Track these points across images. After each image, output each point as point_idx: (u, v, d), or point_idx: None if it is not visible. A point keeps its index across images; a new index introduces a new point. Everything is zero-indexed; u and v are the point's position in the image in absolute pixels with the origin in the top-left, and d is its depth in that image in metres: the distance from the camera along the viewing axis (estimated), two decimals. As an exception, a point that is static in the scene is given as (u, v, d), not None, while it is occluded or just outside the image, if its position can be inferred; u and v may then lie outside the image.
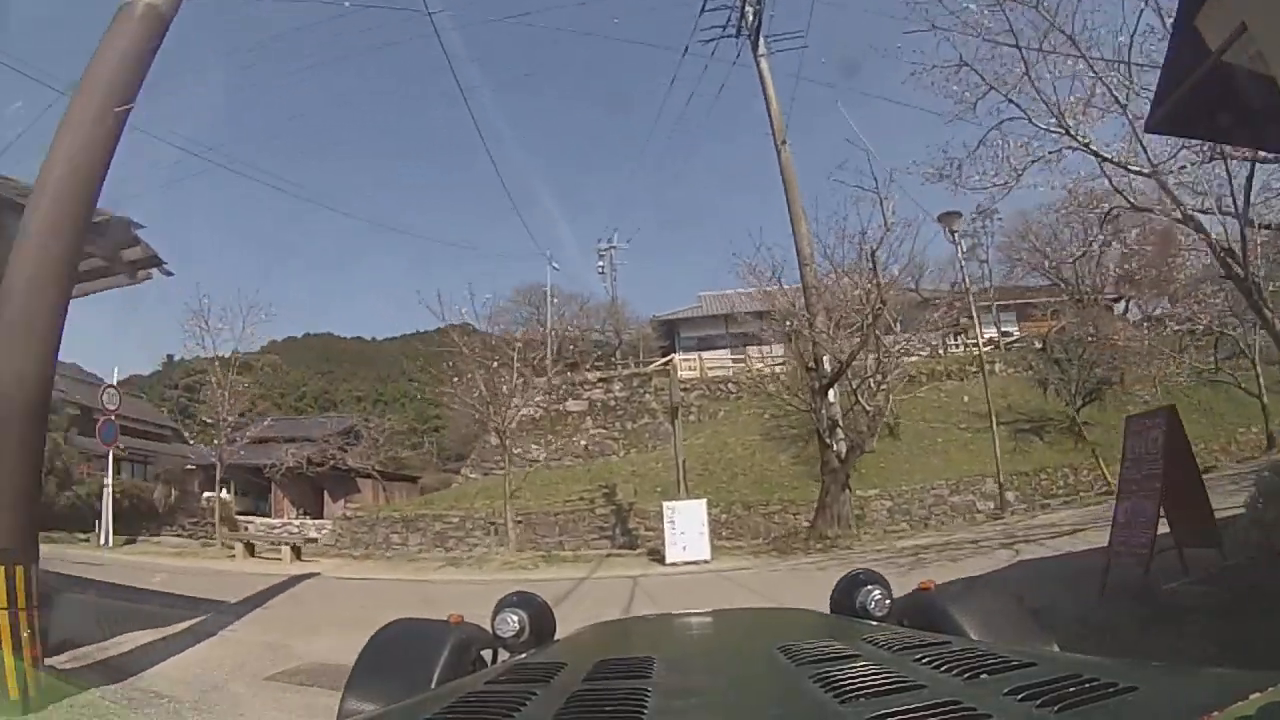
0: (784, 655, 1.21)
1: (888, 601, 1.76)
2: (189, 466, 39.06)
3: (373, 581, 14.76)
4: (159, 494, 23.95)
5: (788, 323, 17.98)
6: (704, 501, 15.81)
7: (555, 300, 38.21)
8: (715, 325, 34.90)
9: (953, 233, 19.64)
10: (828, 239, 17.75)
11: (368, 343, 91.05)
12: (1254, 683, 0.83)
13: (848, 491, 16.38)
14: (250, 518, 31.25)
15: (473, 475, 27.43)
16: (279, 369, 73.95)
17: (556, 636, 1.88)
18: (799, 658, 1.18)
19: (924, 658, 1.13)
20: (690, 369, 32.21)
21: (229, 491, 35.43)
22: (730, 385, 29.35)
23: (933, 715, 0.81)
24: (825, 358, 16.42)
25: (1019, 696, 0.87)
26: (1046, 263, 29.89)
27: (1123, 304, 30.62)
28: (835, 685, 0.96)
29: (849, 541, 15.35)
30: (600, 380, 29.45)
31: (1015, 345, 31.44)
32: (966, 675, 1.01)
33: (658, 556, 15.49)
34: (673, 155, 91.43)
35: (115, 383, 21.09)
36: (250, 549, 17.95)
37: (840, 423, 16.73)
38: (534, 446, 25.89)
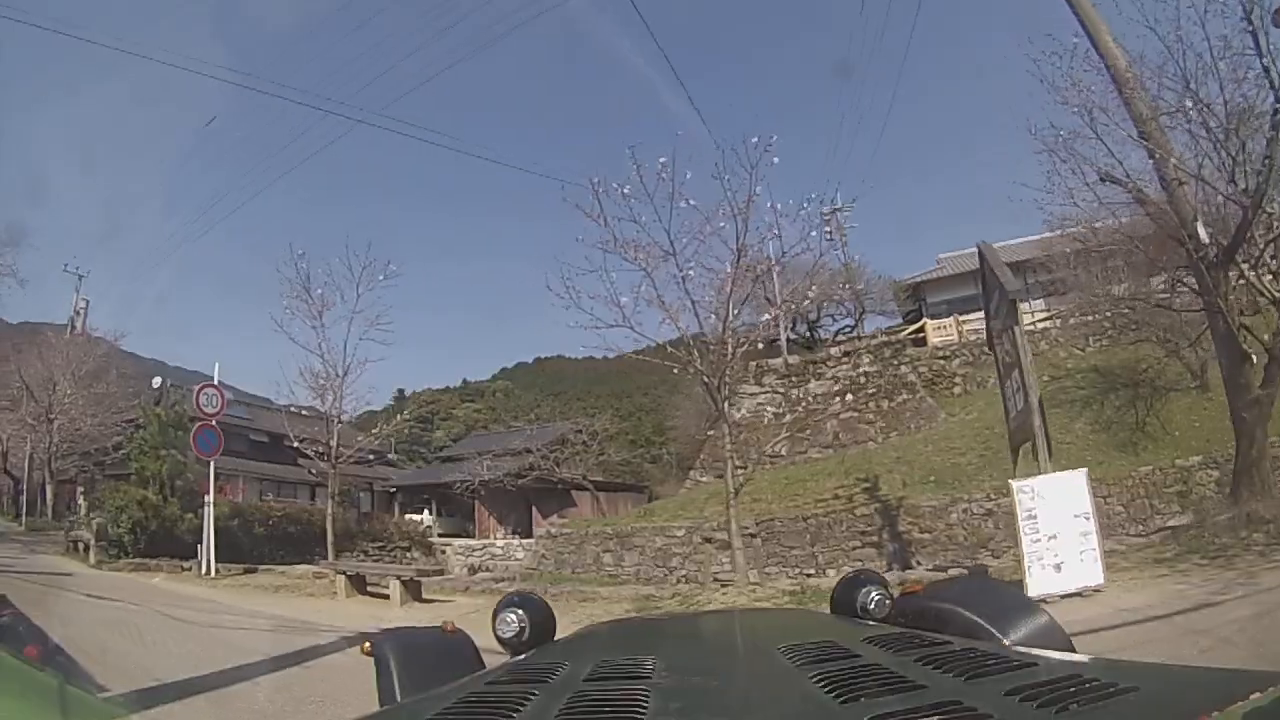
0: (784, 655, 1.25)
1: (888, 602, 1.77)
2: (391, 489, 37.91)
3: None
4: (338, 516, 21.46)
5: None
6: (1083, 474, 10.00)
7: (780, 269, 33.11)
8: (964, 285, 30.77)
9: None
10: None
11: (598, 361, 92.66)
12: (1254, 683, 0.87)
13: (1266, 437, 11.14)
14: (450, 539, 30.76)
15: (703, 479, 25.28)
16: (510, 394, 78.29)
17: (556, 637, 1.92)
18: (799, 658, 1.22)
19: (924, 658, 1.16)
20: (945, 334, 29.64)
21: (431, 511, 33.83)
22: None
23: (933, 715, 0.86)
24: (1200, 223, 10.77)
25: (1019, 697, 0.91)
26: None
27: None
28: (836, 685, 1.01)
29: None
30: (845, 355, 26.18)
31: None
32: (967, 676, 1.04)
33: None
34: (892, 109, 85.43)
35: (217, 381, 19.16)
36: (359, 584, 14.48)
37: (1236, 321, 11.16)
38: (774, 438, 22.64)
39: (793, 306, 22.40)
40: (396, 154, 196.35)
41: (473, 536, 32.51)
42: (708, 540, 14.03)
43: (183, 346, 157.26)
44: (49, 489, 30.91)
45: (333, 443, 19.18)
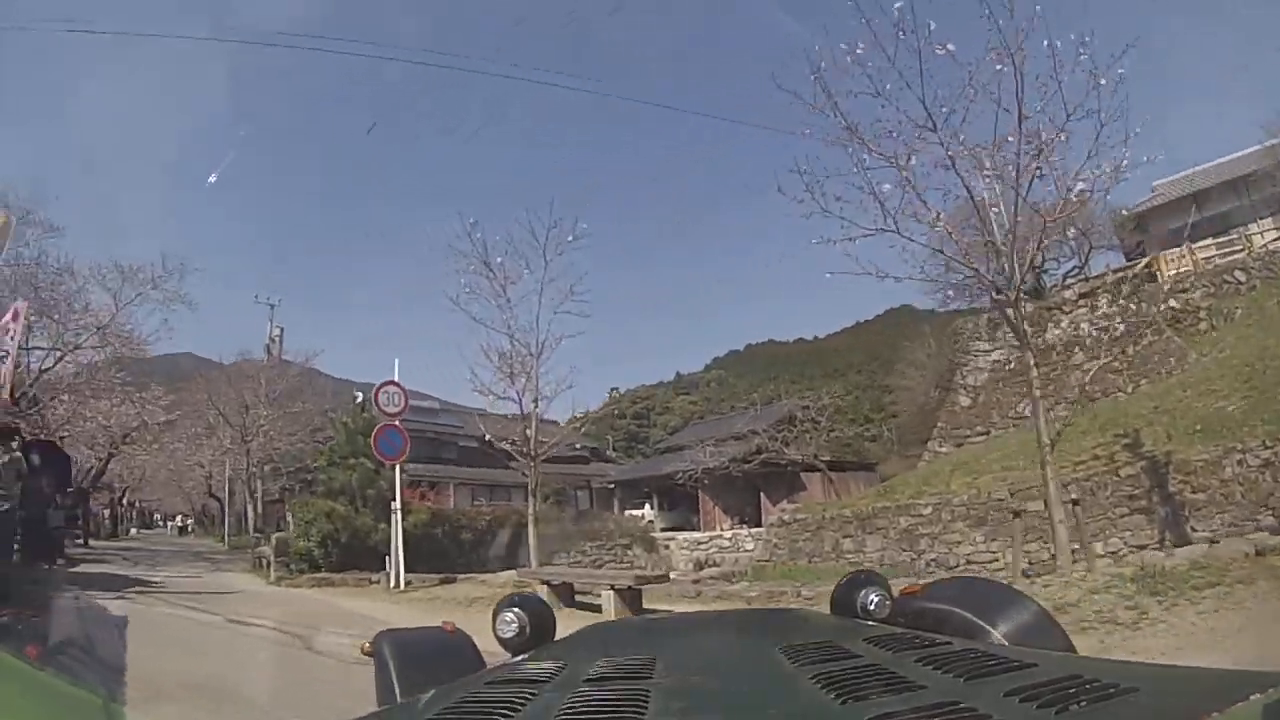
0: (785, 655, 1.26)
1: (888, 602, 1.75)
2: (609, 485, 38.50)
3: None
4: (546, 516, 21.81)
5: None
6: None
7: (996, 211, 30.71)
8: (1187, 212, 28.46)
9: None
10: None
11: (809, 343, 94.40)
12: (1254, 683, 0.86)
13: None
14: (673, 533, 30.07)
15: (942, 449, 24.04)
16: (724, 383, 79.97)
17: (556, 637, 1.91)
18: (800, 658, 1.23)
19: (924, 658, 1.17)
20: (1180, 264, 26.36)
21: (652, 506, 33.99)
22: (1238, 275, 22.95)
23: (933, 716, 0.86)
24: None
25: (1020, 698, 0.91)
26: None
27: None
28: (836, 685, 1.01)
29: None
30: (1080, 298, 23.78)
31: None
32: (967, 676, 1.04)
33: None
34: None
35: (396, 378, 17.49)
36: (565, 594, 12.10)
37: None
38: (1014, 398, 21.95)
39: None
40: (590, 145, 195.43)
41: (697, 529, 31.70)
42: (1016, 514, 11.19)
43: (372, 364, 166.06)
44: (249, 508, 32.35)
45: (529, 432, 17.44)
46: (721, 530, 29.74)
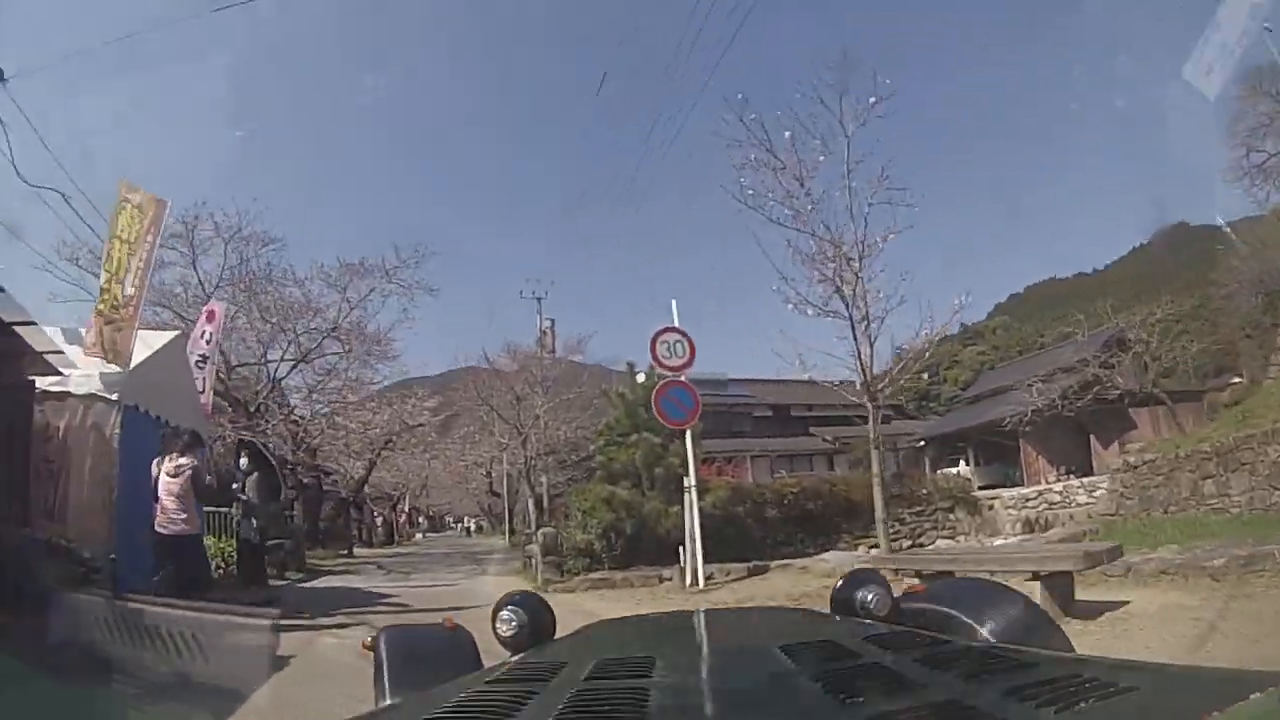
0: (784, 655, 1.25)
1: (888, 601, 1.76)
2: (917, 443, 35.13)
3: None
4: (861, 482, 18.98)
5: None
6: None
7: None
8: None
9: None
10: None
11: (1090, 276, 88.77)
12: (1254, 683, 0.87)
13: None
14: (995, 491, 25.58)
15: None
16: (1009, 328, 76.92)
17: (556, 636, 1.93)
18: (799, 658, 1.23)
19: (925, 658, 1.17)
20: None
21: (966, 462, 30.58)
22: None
23: (934, 715, 0.87)
24: None
25: (1019, 697, 0.91)
26: None
27: None
28: (836, 685, 1.01)
29: None
30: None
31: None
32: (967, 675, 1.05)
33: None
34: None
35: (676, 323, 14.21)
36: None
37: None
38: None
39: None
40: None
41: (1018, 484, 28.11)
42: None
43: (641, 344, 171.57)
44: (530, 502, 31.43)
45: (864, 353, 13.54)
46: (1049, 483, 25.88)
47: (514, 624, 1.79)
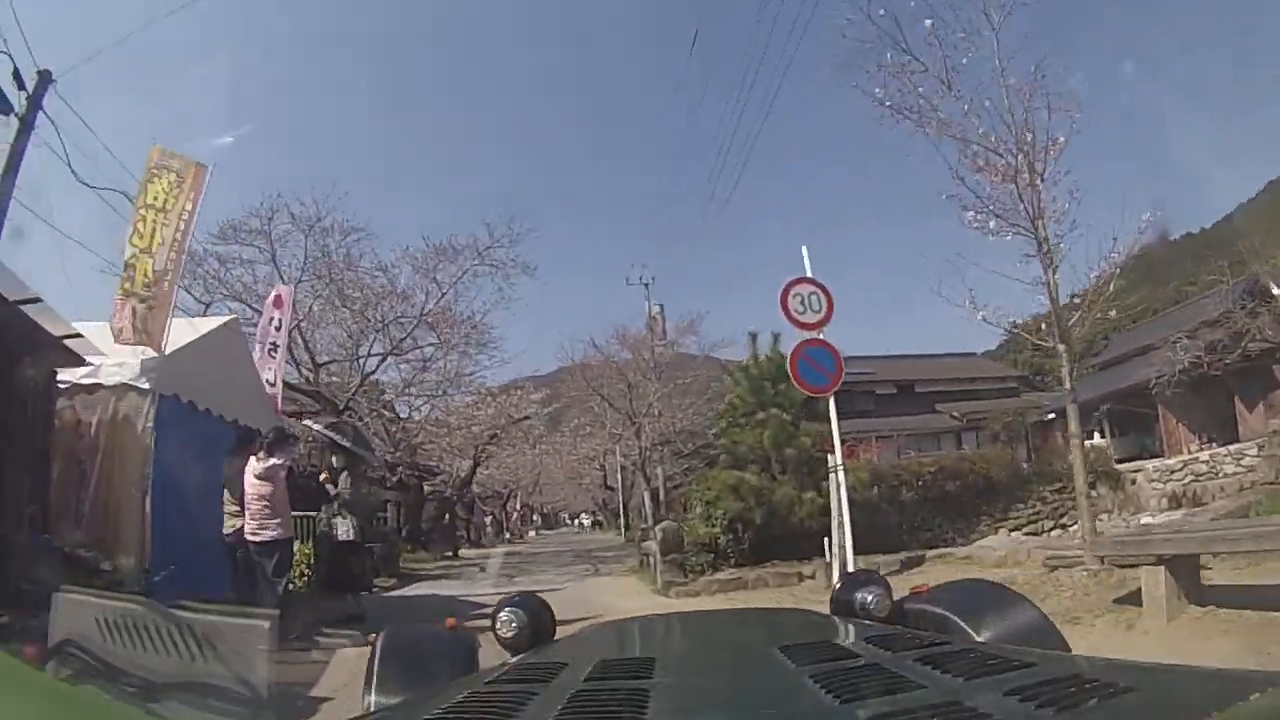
0: (784, 655, 1.25)
1: (888, 602, 1.78)
2: (1047, 416, 32.22)
3: None
4: (999, 460, 16.82)
5: None
6: None
7: None
8: None
9: None
10: None
11: (1197, 236, 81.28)
12: (1254, 683, 0.88)
13: None
14: (1130, 464, 23.08)
15: None
16: (1123, 293, 68.47)
17: (557, 637, 1.94)
18: (799, 658, 1.22)
19: (924, 658, 1.16)
20: None
21: (1102, 434, 27.67)
22: None
23: (933, 715, 0.86)
24: None
25: (1019, 697, 0.90)
26: None
27: None
28: (835, 685, 1.01)
29: None
30: None
31: None
32: (967, 676, 1.04)
33: None
34: None
35: (809, 273, 10.93)
36: (1190, 584, 6.32)
37: None
38: None
39: None
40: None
41: (1158, 455, 25.49)
42: None
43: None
44: (645, 495, 29.60)
45: (1051, 281, 10.69)
46: (1193, 453, 23.35)
47: (514, 625, 1.80)
